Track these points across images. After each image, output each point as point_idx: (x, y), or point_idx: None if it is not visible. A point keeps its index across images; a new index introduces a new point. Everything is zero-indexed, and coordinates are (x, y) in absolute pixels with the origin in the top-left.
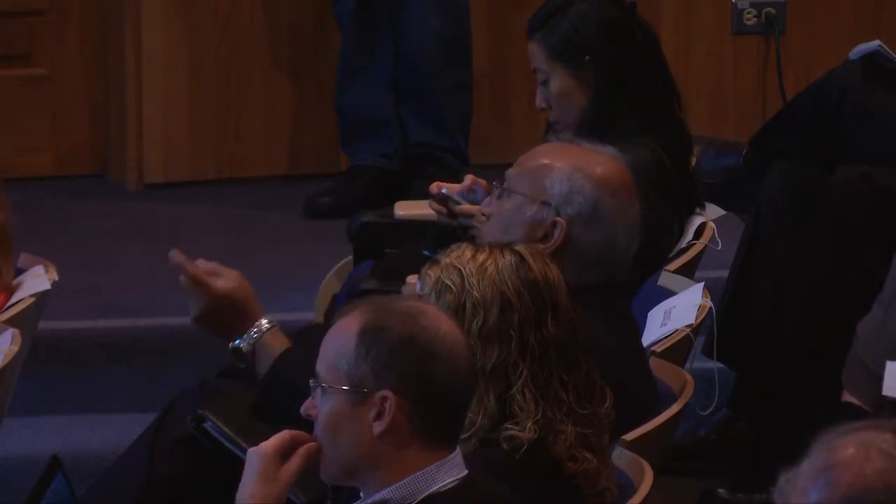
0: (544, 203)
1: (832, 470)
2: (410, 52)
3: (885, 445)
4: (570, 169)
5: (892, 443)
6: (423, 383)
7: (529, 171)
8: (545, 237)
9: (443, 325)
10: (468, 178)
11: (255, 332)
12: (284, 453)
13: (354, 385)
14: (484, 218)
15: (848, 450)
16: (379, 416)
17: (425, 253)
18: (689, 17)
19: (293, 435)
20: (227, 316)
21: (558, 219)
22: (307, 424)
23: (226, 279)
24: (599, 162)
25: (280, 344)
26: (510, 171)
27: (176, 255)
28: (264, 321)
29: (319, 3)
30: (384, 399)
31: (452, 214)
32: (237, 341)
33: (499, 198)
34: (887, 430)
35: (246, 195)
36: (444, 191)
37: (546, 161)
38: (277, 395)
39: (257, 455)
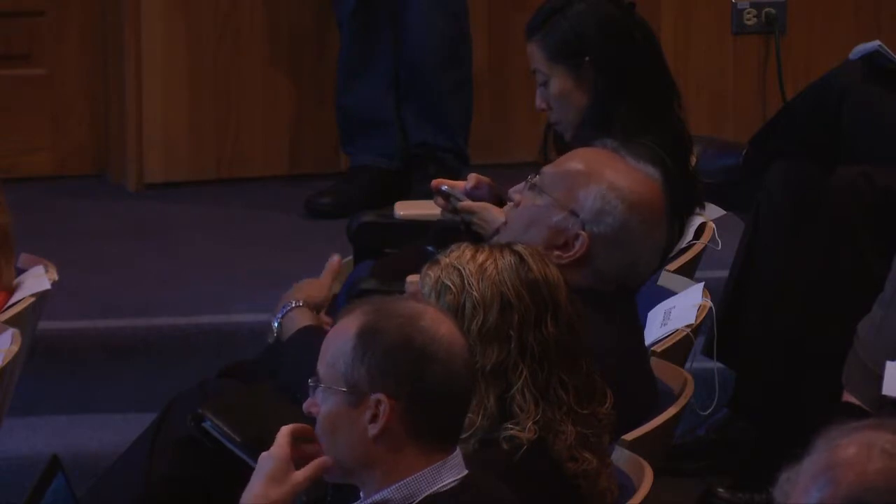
0: (573, 213)
1: (834, 469)
2: (411, 53)
3: (887, 445)
4: (606, 186)
5: (894, 442)
6: (418, 386)
7: (567, 176)
8: (565, 245)
9: (441, 327)
10: (472, 178)
11: (284, 309)
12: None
13: (350, 387)
14: (515, 201)
15: (850, 449)
16: (374, 419)
17: (429, 249)
18: (689, 16)
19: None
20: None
21: (582, 232)
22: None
23: None
24: (636, 182)
25: (306, 319)
26: (548, 168)
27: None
28: (294, 301)
29: (319, 4)
30: (378, 402)
31: (455, 211)
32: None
33: (530, 189)
34: (889, 430)
35: (246, 195)
36: (444, 188)
37: (586, 169)
38: (288, 365)
39: (269, 457)
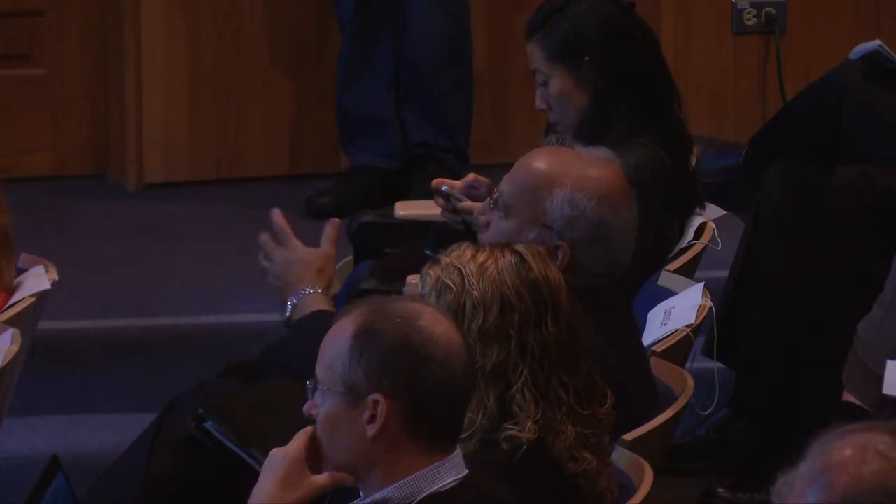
0: (545, 226)
1: (829, 472)
2: (411, 53)
3: (881, 447)
4: (570, 189)
5: (888, 444)
6: (415, 387)
7: (527, 191)
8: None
9: (439, 327)
10: (470, 176)
11: (301, 293)
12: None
13: (348, 388)
14: (481, 223)
15: (844, 452)
16: (372, 420)
17: (427, 251)
18: (689, 16)
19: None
20: (291, 275)
21: (560, 243)
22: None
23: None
24: (598, 174)
25: (318, 305)
26: (505, 186)
27: (278, 216)
28: (313, 287)
29: (319, 4)
30: (376, 403)
31: (455, 211)
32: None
33: (493, 207)
34: (883, 432)
35: (246, 195)
36: (444, 188)
37: (542, 174)
38: (290, 348)
39: (283, 456)
